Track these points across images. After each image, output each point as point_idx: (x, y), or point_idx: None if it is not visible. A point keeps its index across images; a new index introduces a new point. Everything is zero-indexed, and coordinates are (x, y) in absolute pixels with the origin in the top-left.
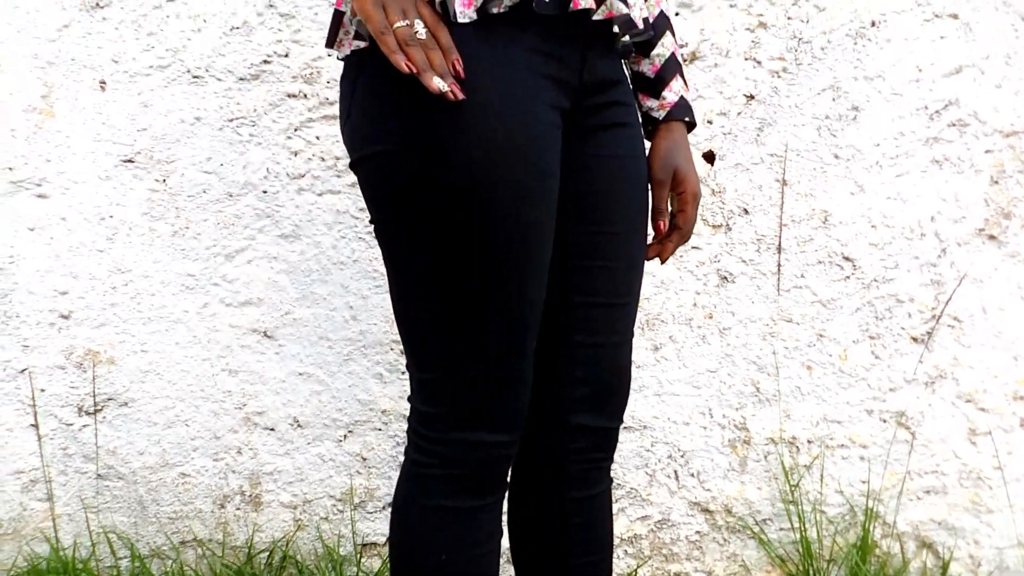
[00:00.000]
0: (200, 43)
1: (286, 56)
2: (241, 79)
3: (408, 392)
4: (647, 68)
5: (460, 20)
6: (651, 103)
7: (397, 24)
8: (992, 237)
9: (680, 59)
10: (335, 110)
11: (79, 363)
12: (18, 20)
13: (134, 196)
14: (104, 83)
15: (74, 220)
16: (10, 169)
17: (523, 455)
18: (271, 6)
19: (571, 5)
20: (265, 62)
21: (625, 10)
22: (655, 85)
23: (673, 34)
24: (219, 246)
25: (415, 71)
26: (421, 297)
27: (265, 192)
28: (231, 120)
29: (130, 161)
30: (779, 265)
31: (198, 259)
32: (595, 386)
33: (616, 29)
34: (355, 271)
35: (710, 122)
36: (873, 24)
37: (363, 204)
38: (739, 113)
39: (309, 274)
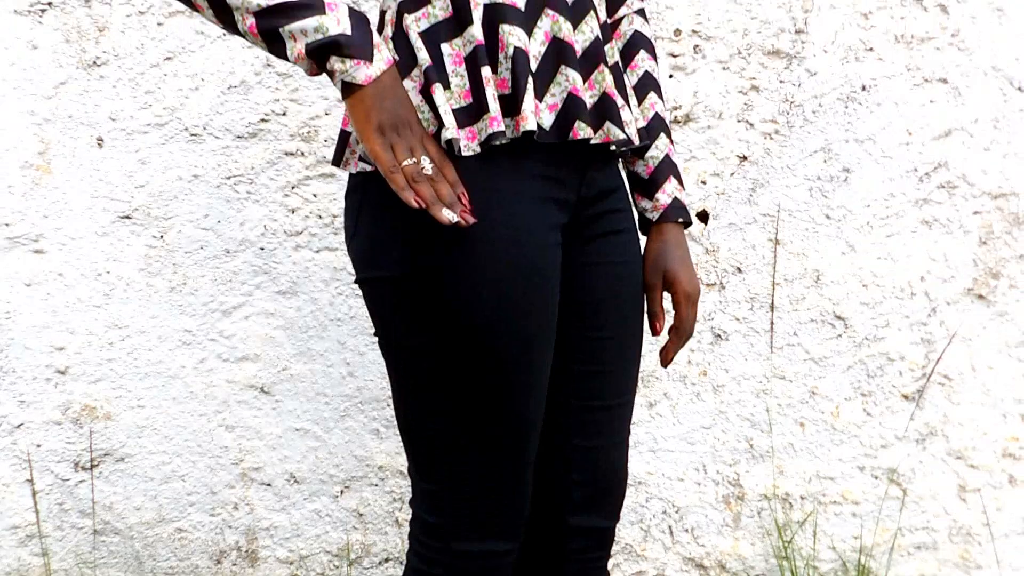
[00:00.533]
0: (198, 102)
1: (284, 115)
2: (239, 137)
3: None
4: (641, 169)
5: (464, 153)
6: (645, 204)
7: (405, 163)
8: (981, 297)
9: (675, 159)
10: (333, 168)
11: (75, 418)
12: (14, 77)
13: (131, 252)
14: (101, 140)
15: (71, 276)
16: (7, 225)
17: (522, 556)
18: (268, 65)
19: (570, 135)
20: (263, 120)
21: (622, 135)
22: (649, 186)
23: (668, 135)
24: (216, 302)
25: (424, 206)
26: (425, 410)
27: (262, 249)
28: (229, 178)
29: (127, 217)
30: (772, 323)
31: (195, 315)
32: (593, 487)
33: (613, 148)
34: (352, 327)
35: (704, 182)
36: (864, 88)
37: None
38: (732, 174)
39: (306, 330)
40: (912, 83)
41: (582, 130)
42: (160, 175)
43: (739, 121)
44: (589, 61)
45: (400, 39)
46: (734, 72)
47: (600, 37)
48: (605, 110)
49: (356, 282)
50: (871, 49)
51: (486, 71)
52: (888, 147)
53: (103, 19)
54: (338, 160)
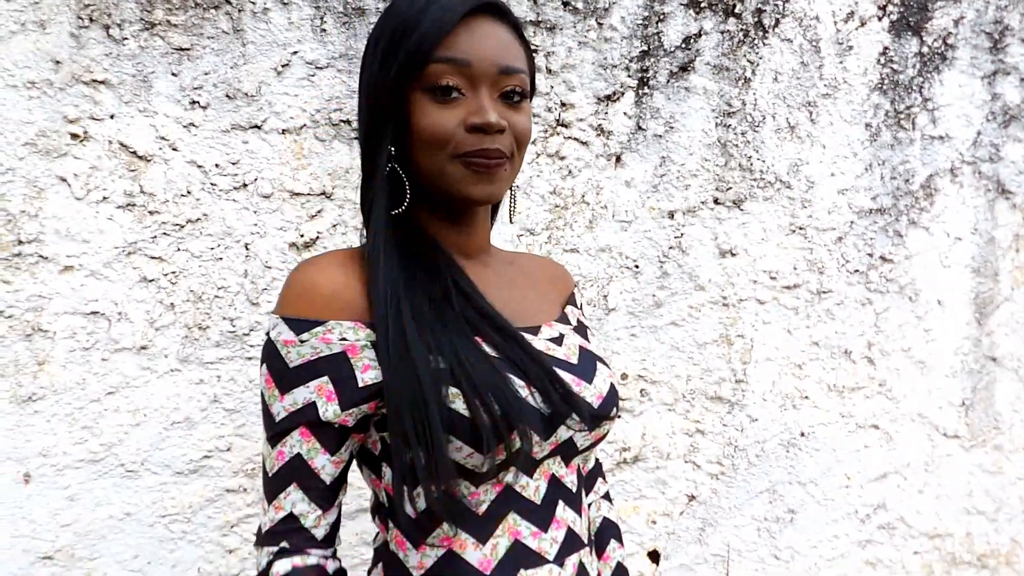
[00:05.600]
0: (138, 437)
1: (228, 450)
2: (178, 473)
3: None
4: None
5: None
6: None
7: None
8: None
9: None
10: None
11: None
12: None
13: None
14: (29, 476)
15: None
16: None
17: None
18: (215, 401)
19: None
20: (205, 457)
21: None
22: None
23: None
24: None
25: None
26: None
27: None
28: (163, 516)
29: (48, 558)
30: None
31: None
32: None
33: None
34: None
35: (654, 522)
36: (803, 434)
37: None
38: (682, 513)
39: None
40: (847, 430)
41: None
42: (89, 513)
43: (686, 462)
44: None
45: None
46: (679, 413)
47: None
48: None
49: None
50: (807, 397)
51: None
52: (829, 490)
53: (44, 353)
54: None
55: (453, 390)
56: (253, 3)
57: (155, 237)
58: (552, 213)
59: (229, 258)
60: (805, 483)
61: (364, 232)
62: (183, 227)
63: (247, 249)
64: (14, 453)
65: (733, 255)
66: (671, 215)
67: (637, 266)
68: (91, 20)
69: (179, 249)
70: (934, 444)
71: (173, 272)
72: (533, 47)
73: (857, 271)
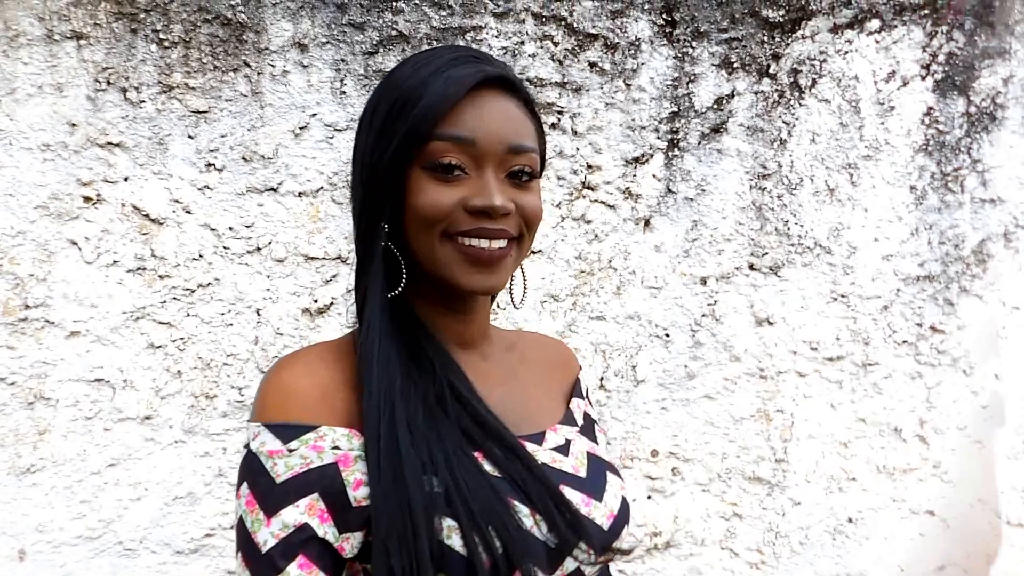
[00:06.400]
0: (137, 513)
1: (231, 528)
2: (178, 552)
3: None
4: None
5: None
6: None
7: None
8: None
9: None
10: None
11: None
12: None
13: None
14: (24, 553)
15: None
16: None
17: None
18: (220, 475)
19: None
20: (207, 535)
21: None
22: None
23: None
24: None
25: None
26: None
27: None
28: None
29: None
30: None
31: None
32: None
33: None
34: None
35: None
36: (850, 520)
37: None
38: None
39: None
40: (899, 515)
41: None
42: None
43: (723, 548)
44: None
45: None
46: (715, 495)
47: None
48: None
49: None
50: (854, 479)
51: None
52: None
53: (45, 422)
54: None
55: (449, 522)
56: (273, 66)
57: (164, 302)
58: (577, 279)
59: (240, 324)
60: (854, 574)
61: (356, 318)
62: (193, 291)
63: (258, 315)
64: (10, 528)
65: (770, 324)
66: (703, 281)
67: (668, 335)
68: (108, 83)
69: (188, 314)
70: (997, 533)
71: (181, 338)
72: (558, 108)
73: (905, 342)
